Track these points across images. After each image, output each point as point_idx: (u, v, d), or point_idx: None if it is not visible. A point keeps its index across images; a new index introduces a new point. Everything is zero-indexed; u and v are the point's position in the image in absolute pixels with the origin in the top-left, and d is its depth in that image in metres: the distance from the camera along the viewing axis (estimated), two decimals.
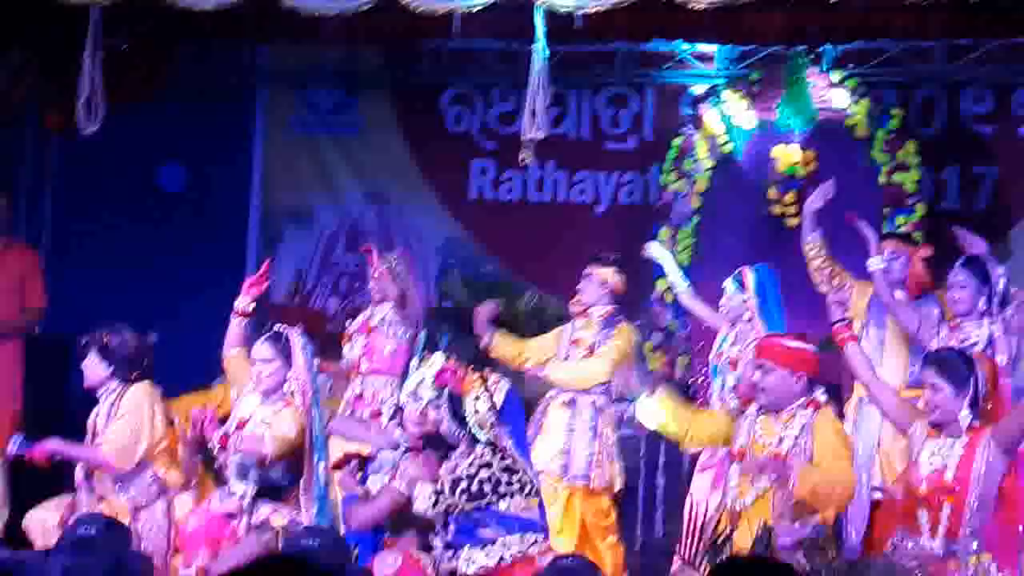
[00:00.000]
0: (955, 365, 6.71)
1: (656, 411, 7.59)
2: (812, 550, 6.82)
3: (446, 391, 6.71)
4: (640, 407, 7.70)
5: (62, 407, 8.92)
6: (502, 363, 8.24)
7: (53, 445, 7.46)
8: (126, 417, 7.47)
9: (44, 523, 7.42)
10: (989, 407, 6.80)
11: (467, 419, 6.62)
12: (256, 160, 11.27)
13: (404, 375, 7.98)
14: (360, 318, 8.72)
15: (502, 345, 8.40)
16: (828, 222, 8.23)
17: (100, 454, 7.42)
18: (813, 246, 8.25)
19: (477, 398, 6.64)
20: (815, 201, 8.24)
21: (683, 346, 10.04)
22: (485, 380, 6.68)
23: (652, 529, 9.11)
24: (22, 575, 5.09)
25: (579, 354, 8.33)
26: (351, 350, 8.59)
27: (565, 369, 8.33)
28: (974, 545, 6.57)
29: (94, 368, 7.56)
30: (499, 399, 6.62)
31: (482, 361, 7.85)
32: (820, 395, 7.15)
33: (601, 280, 8.41)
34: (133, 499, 7.46)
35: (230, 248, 10.85)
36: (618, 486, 8.38)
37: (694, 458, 8.28)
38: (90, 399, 7.63)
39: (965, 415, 6.64)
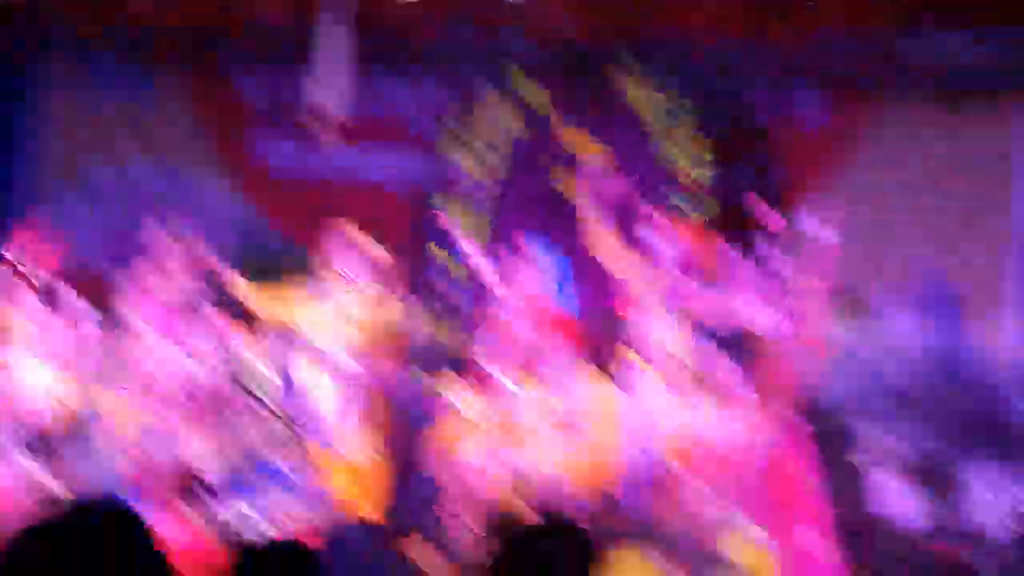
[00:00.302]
0: (737, 342, 6.89)
1: None
2: (589, 519, 6.93)
3: (227, 352, 6.67)
4: None
5: None
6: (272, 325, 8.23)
7: None
8: None
9: None
10: (767, 383, 6.98)
11: (249, 380, 6.59)
12: (42, 124, 11.01)
13: (185, 338, 7.94)
14: (140, 282, 8.61)
15: (268, 307, 8.40)
16: (617, 205, 8.36)
17: None
18: (602, 228, 8.36)
19: (259, 359, 6.61)
20: (606, 186, 8.37)
21: (467, 320, 10.06)
22: (265, 342, 6.66)
23: (427, 495, 9.08)
24: None
25: (343, 321, 8.41)
26: (132, 313, 8.47)
27: (323, 331, 8.37)
28: (746, 514, 6.73)
29: None
30: (280, 361, 6.61)
31: (259, 323, 7.86)
32: (593, 364, 7.29)
33: (365, 250, 8.51)
34: None
35: (7, 212, 10.58)
36: (380, 453, 8.41)
37: None
38: None
39: (742, 390, 6.82)
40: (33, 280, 7.65)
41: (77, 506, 5.68)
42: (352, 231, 8.65)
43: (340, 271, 8.57)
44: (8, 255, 7.52)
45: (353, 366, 8.35)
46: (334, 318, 8.44)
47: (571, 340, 7.38)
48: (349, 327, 8.42)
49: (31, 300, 7.44)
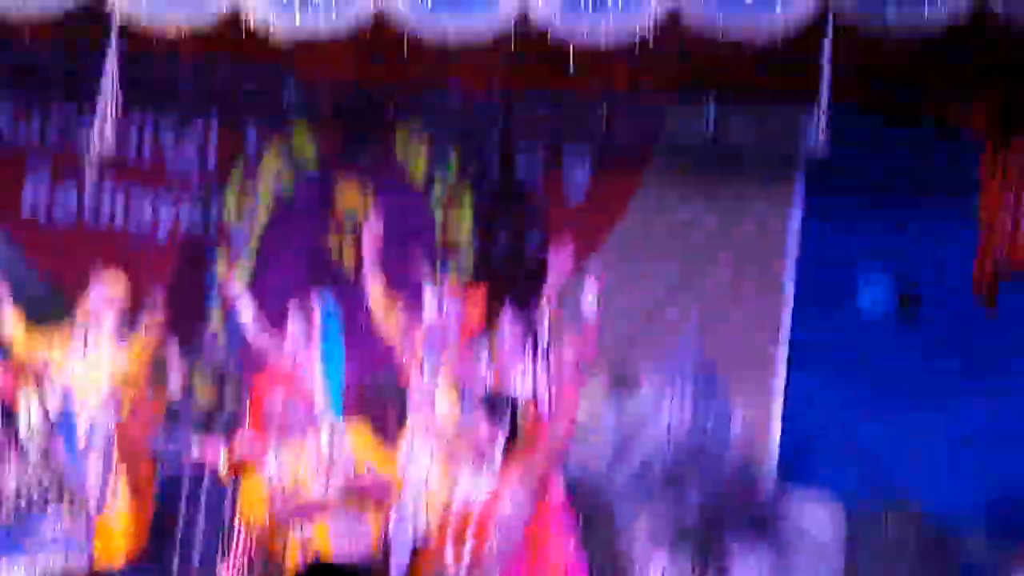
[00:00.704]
0: (497, 407, 6.96)
1: None
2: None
3: None
4: None
5: None
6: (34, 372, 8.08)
7: None
8: None
9: None
10: (528, 454, 7.04)
11: (20, 428, 6.45)
12: None
13: None
14: None
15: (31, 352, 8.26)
16: (386, 262, 8.40)
17: None
18: (372, 286, 8.39)
19: (30, 406, 6.48)
20: (376, 243, 8.42)
21: (234, 377, 9.94)
22: (39, 388, 6.54)
23: (193, 546, 8.96)
24: None
25: (104, 372, 8.32)
26: None
27: (83, 381, 8.26)
28: None
29: None
30: (53, 408, 6.49)
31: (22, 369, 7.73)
32: (364, 425, 7.33)
33: (131, 300, 8.45)
34: None
35: None
36: (138, 508, 8.30)
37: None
38: None
39: (498, 456, 6.88)
40: None
41: None
42: (118, 280, 8.56)
43: (104, 320, 8.46)
44: None
45: (112, 418, 8.24)
46: (95, 368, 8.33)
47: (341, 400, 7.39)
48: (110, 379, 8.32)
49: None
